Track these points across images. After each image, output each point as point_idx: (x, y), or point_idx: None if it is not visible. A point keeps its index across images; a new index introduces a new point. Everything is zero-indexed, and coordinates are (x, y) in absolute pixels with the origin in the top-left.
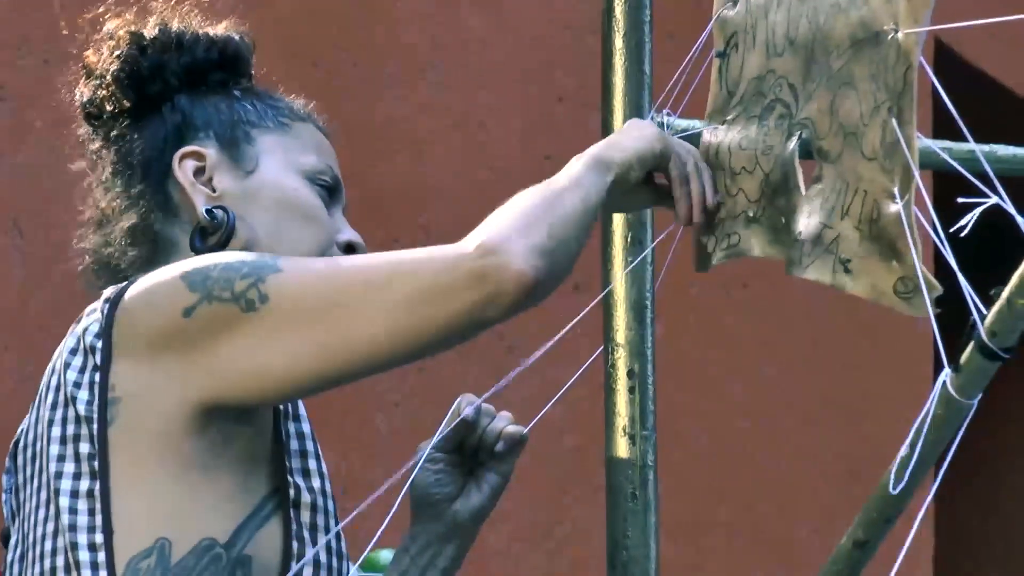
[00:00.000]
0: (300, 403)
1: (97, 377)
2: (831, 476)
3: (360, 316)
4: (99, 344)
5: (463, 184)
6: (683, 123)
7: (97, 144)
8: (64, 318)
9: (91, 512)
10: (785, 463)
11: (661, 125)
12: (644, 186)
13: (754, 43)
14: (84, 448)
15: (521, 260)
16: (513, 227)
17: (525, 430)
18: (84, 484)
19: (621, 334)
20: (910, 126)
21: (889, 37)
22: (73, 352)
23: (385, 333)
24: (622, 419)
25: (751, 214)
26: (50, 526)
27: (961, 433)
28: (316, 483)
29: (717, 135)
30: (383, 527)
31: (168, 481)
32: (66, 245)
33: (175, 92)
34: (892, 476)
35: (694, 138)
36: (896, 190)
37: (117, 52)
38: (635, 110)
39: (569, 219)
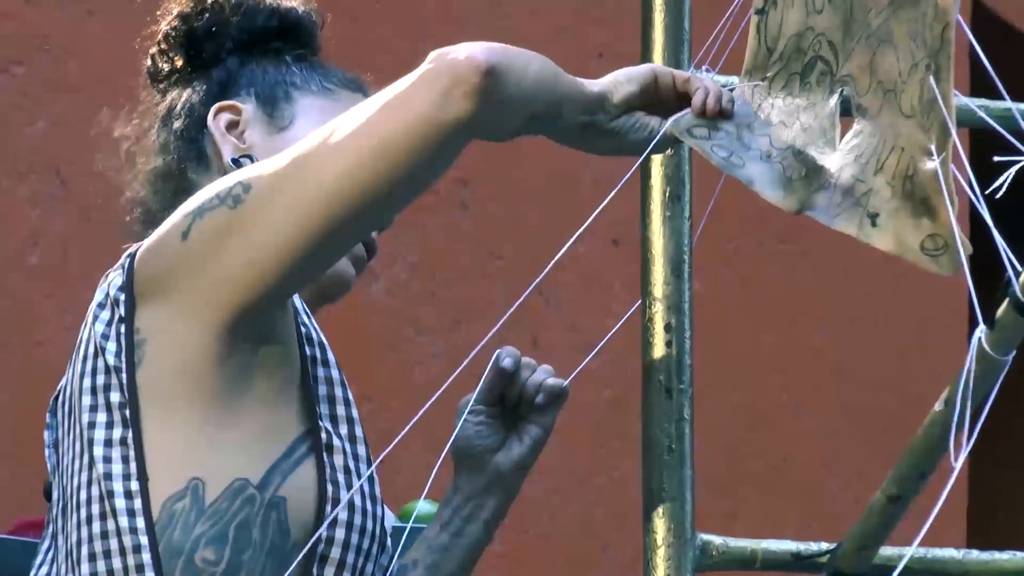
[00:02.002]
0: (328, 350)
1: (123, 328)
2: (865, 430)
3: (327, 155)
4: (122, 296)
5: None
6: (722, 79)
7: (155, 104)
8: (103, 268)
9: (125, 460)
10: (819, 417)
11: None
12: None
13: (793, 0)
14: (115, 397)
15: (472, 50)
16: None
17: (565, 383)
18: (117, 432)
19: (659, 288)
20: (947, 84)
21: None
22: (101, 306)
23: (354, 162)
24: (659, 373)
25: (765, 154)
26: (84, 475)
27: (996, 389)
28: (344, 429)
29: (759, 91)
30: (431, 480)
31: (197, 420)
32: (107, 195)
33: (228, 54)
34: (950, 442)
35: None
36: (933, 147)
37: (177, 11)
38: (674, 66)
39: (536, 63)
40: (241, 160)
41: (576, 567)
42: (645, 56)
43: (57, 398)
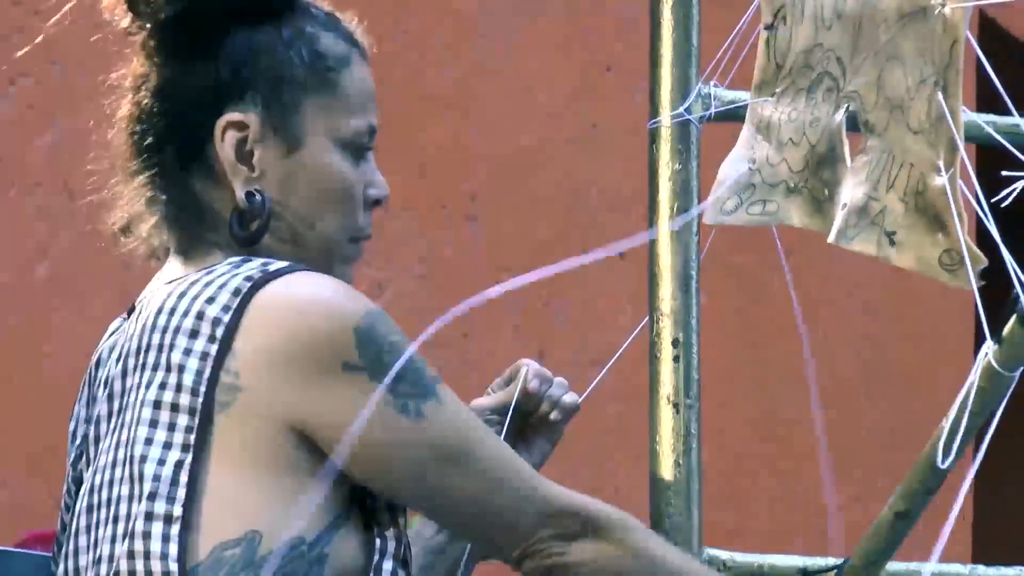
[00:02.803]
0: None
1: (213, 350)
2: (873, 444)
3: (465, 493)
4: (225, 319)
5: (509, 150)
6: (730, 95)
7: (143, 64)
8: (111, 280)
9: (175, 483)
10: (827, 430)
11: (708, 97)
12: None
13: (802, 16)
14: (182, 420)
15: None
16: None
17: (580, 399)
18: (174, 455)
19: (666, 304)
20: (956, 100)
21: (936, 11)
22: (185, 315)
23: (471, 515)
24: (666, 388)
25: (791, 184)
26: (125, 488)
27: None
28: None
29: (766, 107)
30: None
31: (269, 477)
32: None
33: (226, 22)
34: (939, 448)
35: (742, 109)
36: (941, 163)
37: None
38: (682, 82)
39: None
40: (253, 195)
41: None
42: (654, 72)
43: (97, 369)
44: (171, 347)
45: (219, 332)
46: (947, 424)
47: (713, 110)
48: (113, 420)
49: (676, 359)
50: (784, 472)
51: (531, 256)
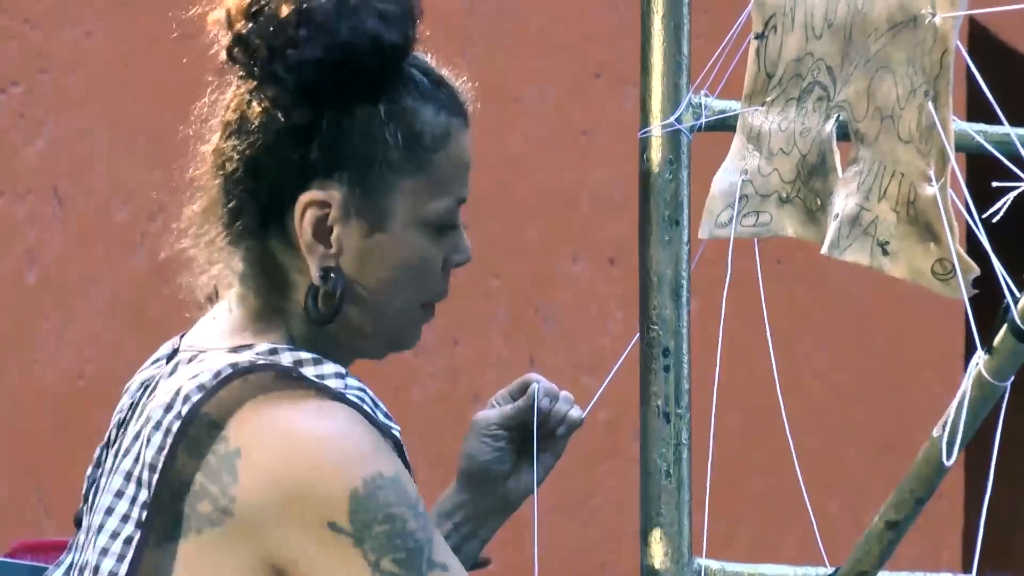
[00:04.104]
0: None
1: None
2: (863, 450)
3: None
4: (180, 416)
5: (499, 156)
6: (720, 104)
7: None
8: (100, 286)
9: (120, 559)
10: (818, 438)
11: (699, 106)
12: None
13: (792, 25)
14: (142, 495)
15: None
16: None
17: (584, 414)
18: (127, 529)
19: (657, 313)
20: (946, 109)
21: (927, 21)
22: (161, 407)
23: None
24: (657, 398)
25: (784, 195)
26: (88, 554)
27: (993, 415)
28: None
29: (756, 117)
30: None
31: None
32: (103, 214)
33: (326, 99)
34: (942, 450)
35: (733, 119)
36: (932, 173)
37: (295, 58)
38: (673, 91)
39: None
40: (329, 274)
41: None
42: (644, 81)
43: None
44: (148, 420)
45: (175, 426)
46: (944, 432)
47: (704, 119)
48: (105, 478)
49: (667, 368)
50: (775, 480)
51: (520, 262)
